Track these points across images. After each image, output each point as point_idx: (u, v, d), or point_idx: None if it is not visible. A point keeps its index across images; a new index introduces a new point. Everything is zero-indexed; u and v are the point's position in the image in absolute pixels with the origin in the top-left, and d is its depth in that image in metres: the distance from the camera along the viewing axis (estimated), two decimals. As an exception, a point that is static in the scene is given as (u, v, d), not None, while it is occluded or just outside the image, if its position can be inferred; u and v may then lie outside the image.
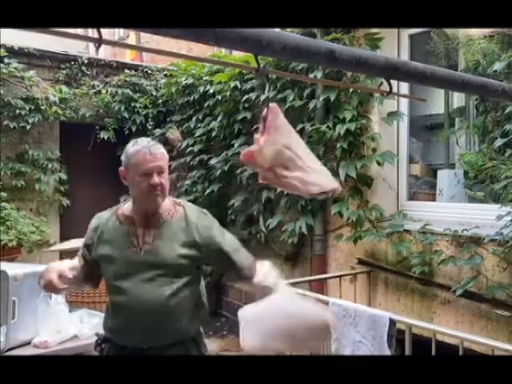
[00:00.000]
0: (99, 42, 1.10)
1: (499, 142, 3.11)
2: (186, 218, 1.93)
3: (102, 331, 2.02)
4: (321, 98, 3.89)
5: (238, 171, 4.80)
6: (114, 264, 1.91)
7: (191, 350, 1.93)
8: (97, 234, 1.97)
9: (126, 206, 1.99)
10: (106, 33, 8.89)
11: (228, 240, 1.96)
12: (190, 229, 1.90)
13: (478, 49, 3.25)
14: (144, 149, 1.83)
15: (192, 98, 5.53)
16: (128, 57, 8.16)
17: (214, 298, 5.56)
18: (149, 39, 8.25)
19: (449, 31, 3.64)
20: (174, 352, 1.86)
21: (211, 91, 5.17)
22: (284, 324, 1.62)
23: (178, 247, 1.88)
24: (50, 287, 1.88)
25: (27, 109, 5.39)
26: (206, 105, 5.32)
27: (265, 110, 1.53)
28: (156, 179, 1.82)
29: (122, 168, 1.90)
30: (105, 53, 9.00)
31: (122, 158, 1.90)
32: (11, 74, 5.31)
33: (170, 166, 1.99)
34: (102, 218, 2.00)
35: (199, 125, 5.45)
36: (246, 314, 1.65)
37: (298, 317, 1.66)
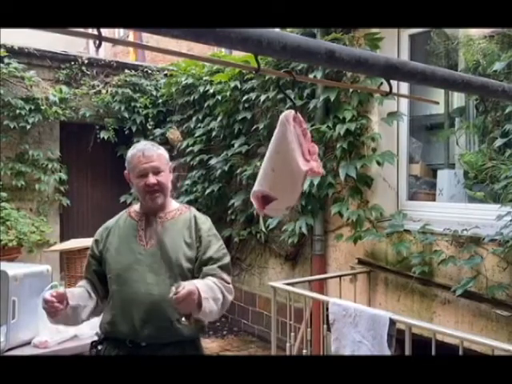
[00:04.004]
0: (99, 38, 1.10)
1: (499, 142, 3.11)
2: (192, 218, 2.02)
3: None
4: (321, 98, 3.89)
5: (238, 171, 4.80)
6: (120, 255, 1.98)
7: (188, 352, 1.94)
8: (106, 233, 2.06)
9: (138, 205, 2.11)
10: (106, 33, 8.90)
11: (212, 252, 1.97)
12: (194, 228, 1.99)
13: (477, 49, 3.24)
14: (138, 152, 1.96)
15: (192, 98, 5.53)
16: (131, 58, 8.16)
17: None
18: (149, 39, 8.26)
19: (449, 31, 3.64)
20: (170, 352, 1.88)
21: (211, 91, 5.17)
22: None
23: (181, 245, 1.96)
24: (47, 308, 1.80)
25: (27, 109, 5.39)
26: (205, 105, 5.32)
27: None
28: (151, 179, 1.93)
29: (126, 171, 2.03)
30: (105, 53, 9.01)
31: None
32: (11, 73, 5.31)
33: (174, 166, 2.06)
34: (112, 220, 2.12)
35: (199, 125, 5.45)
36: None
37: None
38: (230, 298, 1.94)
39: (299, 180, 1.58)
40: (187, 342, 1.95)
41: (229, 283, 1.96)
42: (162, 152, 2.01)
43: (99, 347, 1.99)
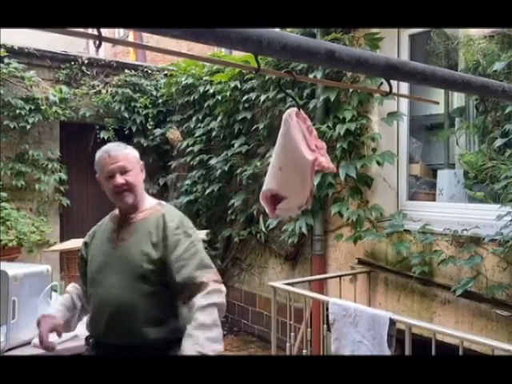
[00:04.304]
0: (99, 38, 1.10)
1: (499, 142, 3.11)
2: (161, 217, 1.94)
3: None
4: (321, 98, 3.89)
5: (238, 171, 4.80)
6: (96, 258, 2.01)
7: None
8: (92, 235, 2.12)
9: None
10: (106, 33, 8.91)
11: (181, 251, 1.87)
12: (161, 227, 1.91)
13: (477, 49, 3.24)
14: (104, 153, 1.95)
15: (192, 98, 5.54)
16: (131, 58, 8.18)
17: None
18: (149, 39, 8.26)
19: (449, 31, 3.64)
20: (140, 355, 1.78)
21: (211, 91, 5.17)
22: None
23: (146, 245, 1.89)
24: (42, 343, 1.93)
25: (27, 109, 5.39)
26: (205, 105, 5.32)
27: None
28: (118, 180, 1.92)
29: (97, 175, 2.02)
30: (105, 53, 9.01)
31: None
32: (11, 73, 5.31)
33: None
34: (99, 223, 2.16)
35: (199, 125, 5.46)
36: None
37: None
38: (221, 299, 1.83)
39: (307, 173, 1.55)
40: (159, 346, 1.84)
41: (215, 281, 1.84)
42: (130, 151, 1.98)
43: (90, 340, 2.02)
